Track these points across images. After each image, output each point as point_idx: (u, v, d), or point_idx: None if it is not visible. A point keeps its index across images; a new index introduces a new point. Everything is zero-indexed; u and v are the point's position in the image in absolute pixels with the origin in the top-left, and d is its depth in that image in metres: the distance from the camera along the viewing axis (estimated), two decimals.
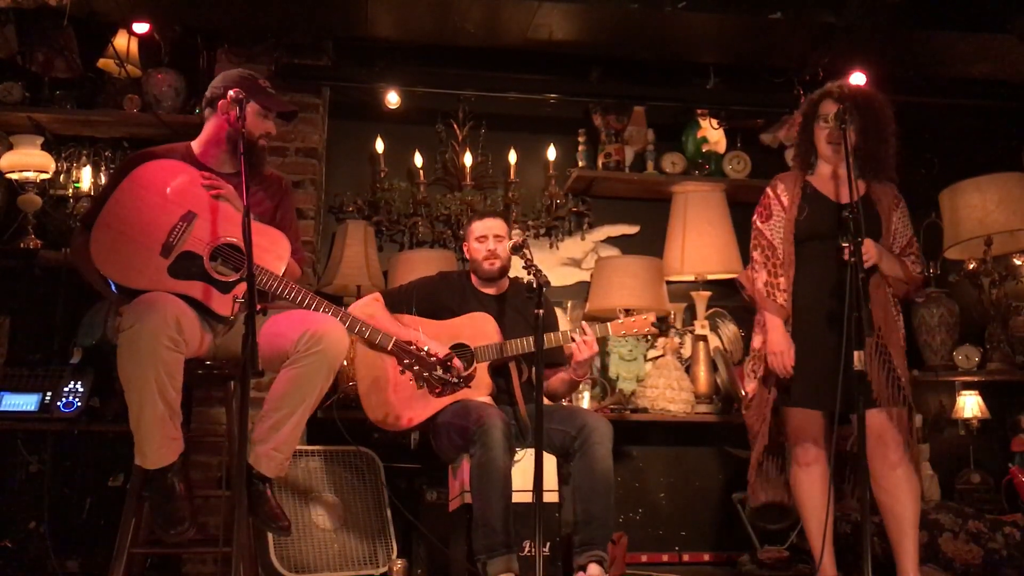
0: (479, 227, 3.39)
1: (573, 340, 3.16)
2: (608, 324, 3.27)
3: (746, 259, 4.17)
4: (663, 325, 4.35)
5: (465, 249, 3.46)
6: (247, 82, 2.76)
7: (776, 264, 3.10)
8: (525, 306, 3.34)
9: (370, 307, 3.25)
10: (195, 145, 2.80)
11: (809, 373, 2.97)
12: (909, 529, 2.90)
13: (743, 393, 4.01)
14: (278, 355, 2.55)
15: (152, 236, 2.56)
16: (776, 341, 3.02)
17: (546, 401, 3.36)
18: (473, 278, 3.44)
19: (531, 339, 3.18)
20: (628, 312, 4.07)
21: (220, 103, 2.73)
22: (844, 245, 2.70)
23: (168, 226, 2.58)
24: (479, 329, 3.26)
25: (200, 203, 2.63)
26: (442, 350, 2.96)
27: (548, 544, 3.05)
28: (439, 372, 2.81)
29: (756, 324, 3.18)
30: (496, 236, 3.36)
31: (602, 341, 4.08)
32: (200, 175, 2.68)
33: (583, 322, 3.24)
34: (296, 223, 3.00)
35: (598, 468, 3.00)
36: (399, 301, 3.33)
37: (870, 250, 2.91)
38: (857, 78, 3.86)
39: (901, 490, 2.91)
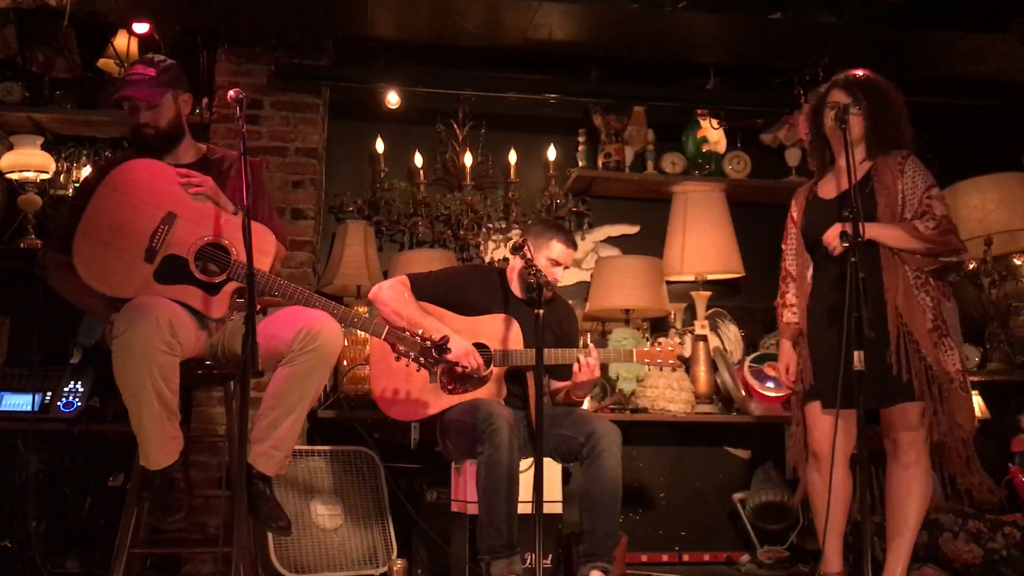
0: (561, 252, 3.26)
1: (577, 360, 3.11)
2: (633, 351, 3.24)
3: (745, 259, 4.21)
4: (664, 324, 4.36)
5: (527, 254, 3.04)
6: (120, 81, 2.76)
7: (787, 280, 3.17)
8: (554, 318, 3.29)
9: (396, 290, 3.20)
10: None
11: (830, 374, 2.89)
12: (906, 529, 2.88)
13: (743, 393, 4.02)
14: (274, 354, 2.54)
15: (134, 242, 2.52)
16: (779, 360, 3.15)
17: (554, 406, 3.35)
18: (514, 283, 3.33)
19: (553, 352, 3.15)
20: (628, 312, 4.10)
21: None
22: (845, 244, 2.68)
23: (149, 229, 2.53)
24: (501, 332, 3.20)
25: (179, 203, 2.58)
26: (437, 334, 2.91)
27: (550, 556, 3.03)
28: (435, 355, 2.76)
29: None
30: (565, 267, 3.30)
31: (601, 338, 4.10)
32: (177, 172, 2.62)
33: (590, 345, 3.19)
34: (267, 201, 2.88)
35: (606, 477, 2.95)
36: (425, 287, 3.26)
37: (831, 240, 2.85)
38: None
39: (909, 490, 2.88)
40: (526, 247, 3.02)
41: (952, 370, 2.86)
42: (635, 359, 3.23)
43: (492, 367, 3.16)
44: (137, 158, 2.67)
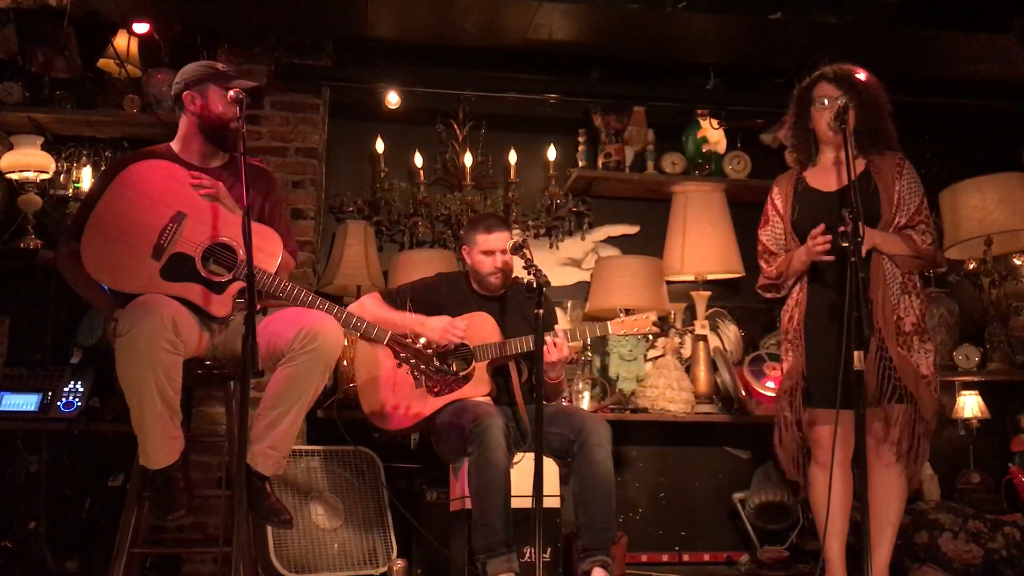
0: (485, 240, 3.25)
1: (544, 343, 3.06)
2: (608, 323, 3.23)
3: (745, 259, 4.20)
4: (664, 325, 4.35)
5: (466, 254, 3.34)
6: (203, 69, 2.74)
7: (777, 258, 3.09)
8: (524, 305, 3.29)
9: (372, 300, 3.25)
10: (175, 144, 2.79)
11: (826, 372, 2.89)
12: (889, 526, 2.90)
13: (743, 393, 4.02)
14: (274, 354, 2.55)
15: (143, 238, 2.55)
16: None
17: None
18: (473, 283, 3.38)
19: (530, 339, 3.15)
20: (628, 311, 4.10)
21: (184, 95, 2.73)
22: (844, 245, 2.67)
23: (158, 228, 2.56)
24: (479, 328, 3.23)
25: (189, 203, 2.61)
26: (439, 341, 2.92)
27: (549, 550, 3.03)
28: (436, 364, 2.77)
29: (787, 308, 3.08)
30: (502, 251, 3.24)
31: (602, 340, 4.10)
32: (189, 174, 2.66)
33: (556, 327, 3.17)
34: (285, 216, 2.97)
35: (597, 471, 2.96)
36: (397, 300, 3.31)
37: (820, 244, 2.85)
38: (869, 77, 3.85)
39: (890, 489, 2.90)
40: (526, 247, 3.03)
41: (928, 372, 2.90)
42: (611, 331, 3.22)
43: (474, 363, 3.18)
44: (152, 160, 2.69)
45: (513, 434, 3.10)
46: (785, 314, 3.11)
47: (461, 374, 3.15)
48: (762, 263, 3.15)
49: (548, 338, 3.07)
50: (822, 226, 2.88)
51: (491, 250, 3.26)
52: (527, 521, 2.86)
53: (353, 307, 3.20)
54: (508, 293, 3.39)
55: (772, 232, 3.13)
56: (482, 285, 3.35)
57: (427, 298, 3.32)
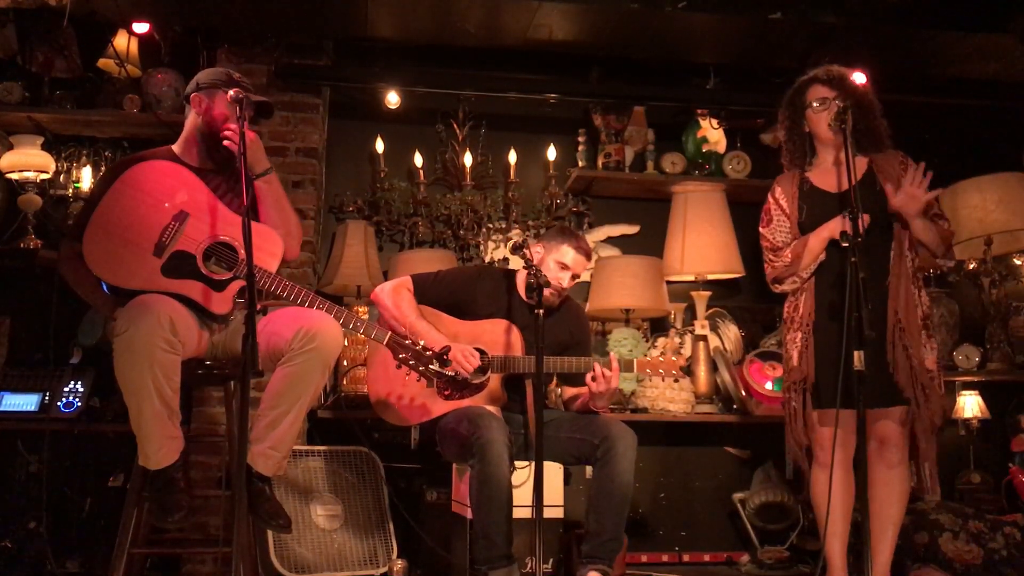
0: (570, 257, 3.15)
1: (593, 369, 3.02)
2: (635, 360, 3.14)
3: (745, 259, 4.20)
4: (664, 324, 4.35)
5: (534, 253, 3.06)
6: (217, 75, 2.76)
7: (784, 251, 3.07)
8: (564, 325, 3.24)
9: (397, 293, 3.18)
10: (176, 147, 2.80)
11: (831, 372, 2.88)
12: (891, 526, 2.91)
13: (743, 393, 4.02)
14: (274, 353, 2.55)
15: (145, 236, 2.57)
16: (826, 227, 2.95)
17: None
18: (523, 288, 3.25)
19: (553, 360, 3.09)
20: (628, 312, 4.10)
21: (193, 96, 2.74)
22: (844, 245, 2.68)
23: (160, 226, 2.58)
24: (501, 338, 3.15)
25: (192, 202, 2.63)
26: (439, 344, 2.89)
27: (551, 560, 3.01)
28: (435, 366, 2.75)
29: (793, 297, 3.07)
30: (574, 276, 3.18)
31: (601, 341, 4.09)
32: (190, 174, 2.67)
33: (612, 353, 3.08)
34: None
35: (617, 481, 2.93)
36: (428, 289, 3.23)
37: (914, 195, 2.85)
38: (857, 77, 3.85)
39: (893, 490, 2.91)
40: (526, 248, 3.01)
41: (933, 368, 2.92)
42: (635, 370, 3.14)
43: (489, 373, 3.12)
44: (154, 161, 2.69)
45: (520, 442, 3.06)
46: (789, 304, 3.10)
47: (475, 383, 3.10)
48: (770, 256, 3.11)
49: (598, 366, 3.01)
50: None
51: (568, 267, 3.16)
52: (529, 530, 2.82)
53: (382, 292, 3.18)
54: (554, 311, 3.26)
55: (778, 228, 3.11)
56: (531, 295, 3.17)
57: (462, 292, 3.23)
